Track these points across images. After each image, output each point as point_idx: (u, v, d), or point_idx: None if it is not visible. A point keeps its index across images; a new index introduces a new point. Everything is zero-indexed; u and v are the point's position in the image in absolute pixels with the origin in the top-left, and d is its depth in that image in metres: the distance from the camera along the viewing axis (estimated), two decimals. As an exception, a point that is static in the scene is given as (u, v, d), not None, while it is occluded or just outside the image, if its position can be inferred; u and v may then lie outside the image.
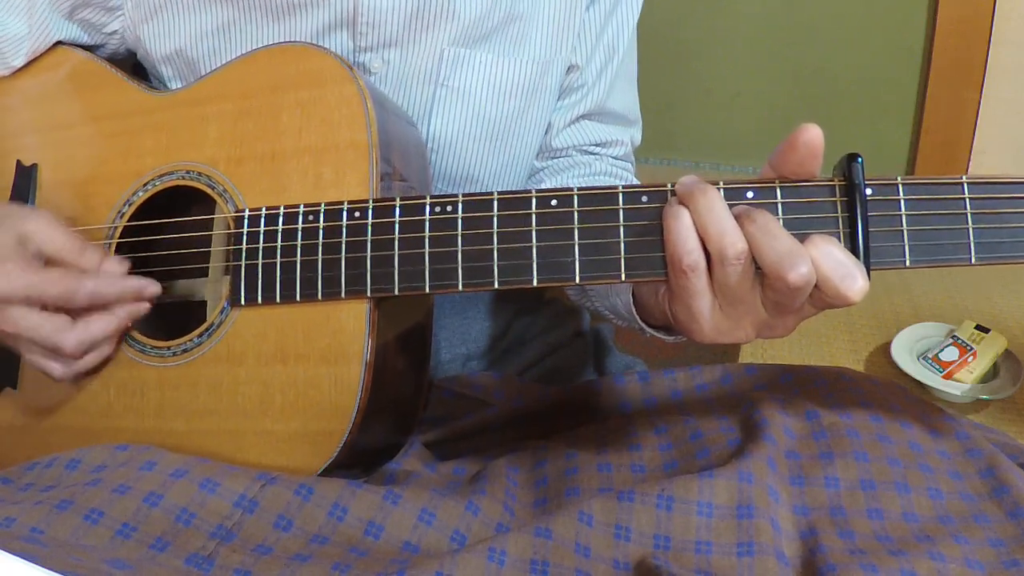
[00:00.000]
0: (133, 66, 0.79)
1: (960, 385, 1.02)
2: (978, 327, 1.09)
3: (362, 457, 0.62)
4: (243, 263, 0.61)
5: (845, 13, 1.94)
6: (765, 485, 0.53)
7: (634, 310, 0.63)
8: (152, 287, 0.62)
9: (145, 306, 0.62)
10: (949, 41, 1.84)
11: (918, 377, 1.04)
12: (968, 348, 1.06)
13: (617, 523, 0.52)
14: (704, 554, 0.51)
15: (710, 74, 2.09)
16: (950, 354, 1.06)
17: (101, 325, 0.60)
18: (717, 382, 0.67)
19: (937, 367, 1.04)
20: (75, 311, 0.60)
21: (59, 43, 0.74)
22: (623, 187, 0.53)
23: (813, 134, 0.49)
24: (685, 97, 2.12)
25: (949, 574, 0.49)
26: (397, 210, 0.57)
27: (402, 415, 0.66)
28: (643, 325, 0.64)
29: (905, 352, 1.09)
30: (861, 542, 0.52)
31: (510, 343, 0.88)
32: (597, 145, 0.83)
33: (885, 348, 1.11)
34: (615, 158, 0.84)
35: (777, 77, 2.04)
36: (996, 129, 1.87)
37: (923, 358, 1.07)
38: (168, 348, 0.63)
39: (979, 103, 1.85)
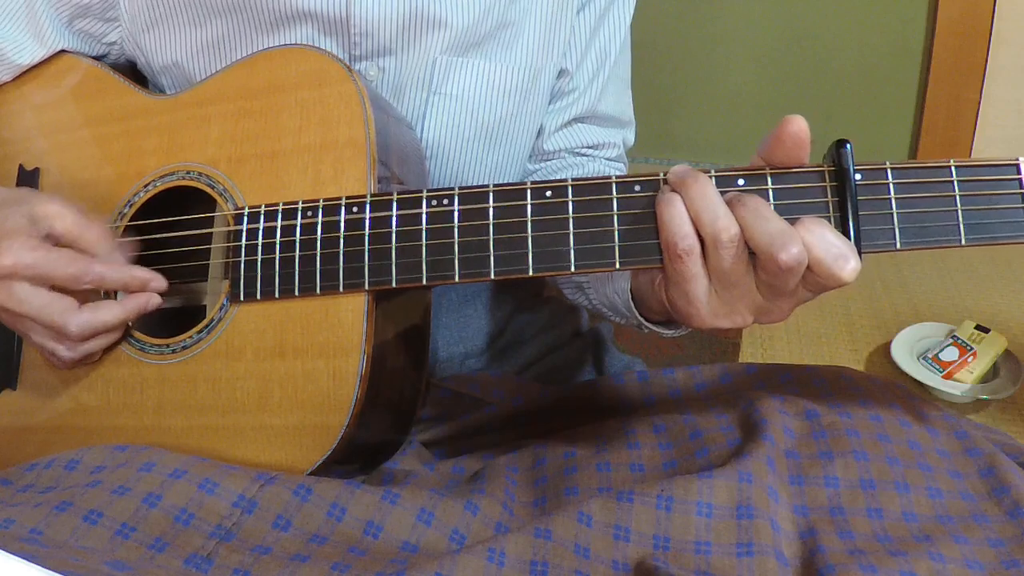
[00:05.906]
0: (135, 74, 0.79)
1: (960, 385, 1.02)
2: (978, 327, 1.09)
3: (360, 453, 0.62)
4: (242, 259, 0.61)
5: (845, 13, 1.94)
6: (765, 485, 0.53)
7: (632, 305, 0.64)
8: (158, 281, 0.63)
9: (155, 301, 0.63)
10: (949, 41, 1.84)
11: (918, 377, 1.04)
12: (968, 348, 1.06)
13: (616, 523, 0.52)
14: (704, 555, 0.51)
15: (710, 74, 2.09)
16: (950, 354, 1.06)
17: (108, 313, 0.61)
18: (716, 381, 0.67)
19: (937, 367, 1.04)
20: (80, 294, 0.60)
21: (63, 51, 0.74)
22: (616, 177, 0.54)
23: (799, 127, 0.49)
24: (685, 97, 2.13)
25: (948, 574, 0.49)
26: (394, 204, 0.57)
27: (400, 412, 0.66)
28: (641, 320, 0.64)
29: (905, 352, 1.09)
30: (861, 542, 0.52)
31: (508, 342, 0.88)
32: (590, 147, 0.83)
33: (885, 348, 1.11)
34: (608, 159, 0.85)
35: (777, 77, 2.04)
36: (996, 129, 1.87)
37: (923, 358, 1.06)
38: (168, 345, 0.63)
39: (979, 103, 1.85)
